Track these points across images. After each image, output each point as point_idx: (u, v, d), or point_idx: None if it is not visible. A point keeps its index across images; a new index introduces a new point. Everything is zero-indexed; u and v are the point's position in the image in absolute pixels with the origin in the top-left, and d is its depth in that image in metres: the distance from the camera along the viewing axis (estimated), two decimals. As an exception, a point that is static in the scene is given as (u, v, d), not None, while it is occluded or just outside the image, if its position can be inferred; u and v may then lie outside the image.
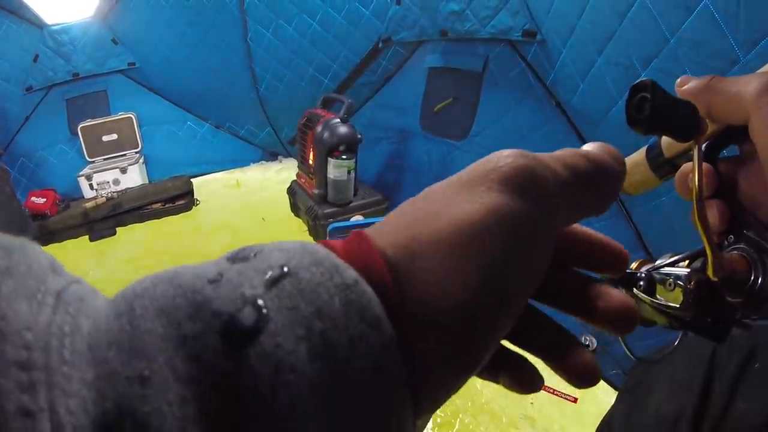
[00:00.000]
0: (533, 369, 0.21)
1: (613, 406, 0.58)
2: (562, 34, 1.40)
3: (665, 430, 0.46)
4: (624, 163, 0.20)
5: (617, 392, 0.60)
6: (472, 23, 1.79)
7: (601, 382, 1.36)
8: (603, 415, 0.59)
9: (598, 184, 0.19)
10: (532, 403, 1.29)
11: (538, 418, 1.25)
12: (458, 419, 1.24)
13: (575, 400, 1.30)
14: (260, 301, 0.13)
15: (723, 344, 0.48)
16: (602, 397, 1.31)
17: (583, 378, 0.20)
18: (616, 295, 0.20)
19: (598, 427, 0.59)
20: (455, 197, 0.16)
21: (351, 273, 0.14)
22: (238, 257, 0.15)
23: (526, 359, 0.21)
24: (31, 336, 0.11)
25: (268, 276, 0.14)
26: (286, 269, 0.14)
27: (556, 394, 1.32)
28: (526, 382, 0.20)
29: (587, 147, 0.20)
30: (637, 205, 1.23)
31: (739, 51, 0.89)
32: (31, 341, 0.11)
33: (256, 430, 0.12)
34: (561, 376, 0.20)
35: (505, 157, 0.17)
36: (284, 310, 0.13)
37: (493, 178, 0.16)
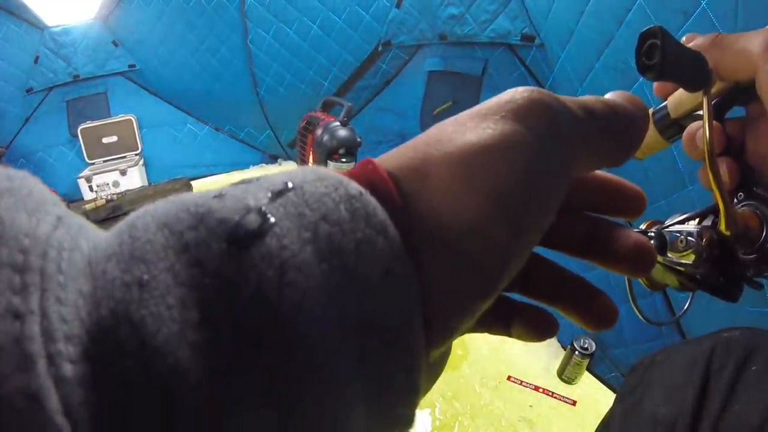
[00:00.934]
0: (546, 312, 0.20)
1: (611, 409, 0.58)
2: (561, 39, 1.40)
3: (663, 433, 0.46)
4: (646, 112, 0.19)
5: (615, 395, 0.60)
6: (471, 27, 1.80)
7: (600, 385, 1.37)
8: (601, 418, 0.59)
9: (616, 130, 0.18)
10: (531, 406, 1.29)
11: (536, 420, 1.25)
12: (457, 422, 1.24)
13: (574, 403, 1.30)
14: (264, 209, 0.13)
15: (719, 348, 0.48)
16: (600, 400, 1.32)
17: (601, 318, 0.20)
18: (631, 234, 0.19)
19: (595, 430, 0.59)
20: (468, 124, 0.16)
21: (355, 185, 0.14)
22: (242, 182, 0.14)
23: (537, 306, 0.21)
24: (28, 242, 0.11)
25: (272, 189, 0.13)
26: (290, 185, 0.14)
27: (555, 397, 1.32)
28: (542, 325, 0.20)
29: (608, 95, 0.19)
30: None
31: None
32: (29, 247, 0.11)
33: (262, 333, 0.11)
34: (579, 320, 0.20)
35: (521, 91, 0.16)
36: (290, 216, 0.13)
37: (508, 109, 0.16)
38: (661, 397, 0.49)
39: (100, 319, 0.10)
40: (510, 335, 0.21)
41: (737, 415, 0.42)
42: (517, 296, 0.21)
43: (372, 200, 0.13)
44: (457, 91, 2.00)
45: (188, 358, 0.10)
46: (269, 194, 0.13)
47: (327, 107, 2.34)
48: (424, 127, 2.20)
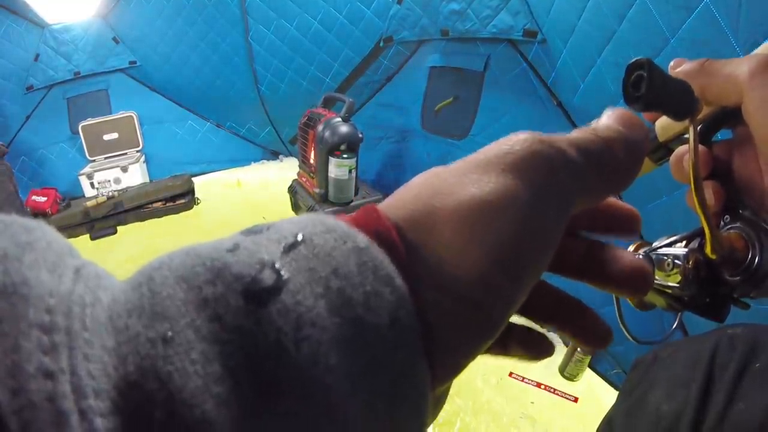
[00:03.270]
0: (542, 334, 0.21)
1: (613, 406, 0.58)
2: (563, 34, 1.40)
3: (665, 429, 0.46)
4: (645, 134, 0.19)
5: (618, 392, 0.60)
6: (473, 23, 1.79)
7: (602, 382, 1.37)
8: (603, 415, 0.59)
9: (613, 167, 0.18)
10: (532, 403, 1.30)
11: (538, 417, 1.25)
12: (459, 418, 1.25)
13: (576, 400, 1.30)
14: (278, 264, 0.13)
15: (722, 344, 0.48)
16: (603, 396, 1.32)
17: (596, 340, 0.20)
18: (627, 256, 0.20)
19: (598, 427, 0.59)
20: (469, 175, 0.16)
21: (362, 237, 0.15)
22: (251, 231, 0.15)
23: (532, 328, 0.21)
24: (53, 301, 0.11)
25: (283, 243, 0.14)
26: (300, 237, 0.14)
27: (557, 394, 1.32)
28: (539, 347, 0.21)
29: (603, 118, 0.19)
30: (636, 206, 1.23)
31: (740, 51, 0.89)
32: (54, 306, 0.11)
33: (281, 382, 0.12)
34: (574, 341, 0.21)
35: (522, 140, 0.17)
36: (302, 271, 0.13)
37: (508, 161, 0.16)
38: (664, 394, 0.49)
39: (128, 374, 0.11)
40: (508, 356, 0.21)
41: (741, 412, 0.42)
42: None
43: (379, 252, 0.14)
44: (459, 87, 1.99)
45: (213, 409, 0.11)
46: (281, 248, 0.14)
47: (328, 103, 2.33)
48: (425, 123, 2.20)
